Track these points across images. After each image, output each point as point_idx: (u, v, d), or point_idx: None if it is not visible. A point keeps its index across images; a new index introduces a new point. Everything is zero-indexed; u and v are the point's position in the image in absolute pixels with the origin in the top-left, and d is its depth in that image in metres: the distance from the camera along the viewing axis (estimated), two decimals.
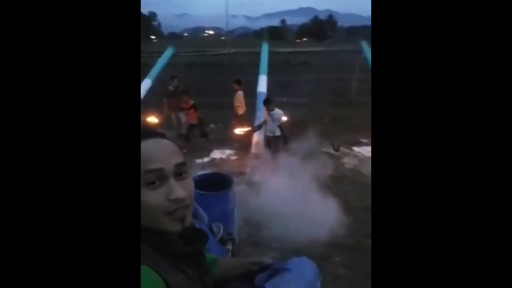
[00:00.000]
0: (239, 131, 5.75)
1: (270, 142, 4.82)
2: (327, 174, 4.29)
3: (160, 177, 0.55)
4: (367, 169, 4.92)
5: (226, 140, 5.97)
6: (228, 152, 5.61)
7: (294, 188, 3.49)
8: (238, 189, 3.41)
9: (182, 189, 0.56)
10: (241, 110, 6.12)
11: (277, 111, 4.69)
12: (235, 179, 3.03)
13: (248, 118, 6.08)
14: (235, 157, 5.42)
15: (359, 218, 3.25)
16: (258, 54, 9.19)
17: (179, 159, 0.57)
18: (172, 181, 0.55)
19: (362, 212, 3.40)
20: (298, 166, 4.07)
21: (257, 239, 2.99)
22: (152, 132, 0.59)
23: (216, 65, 13.24)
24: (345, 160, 5.31)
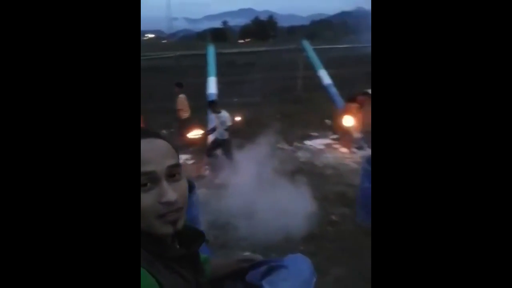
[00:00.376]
0: (192, 135, 5.65)
1: (220, 145, 4.71)
2: (285, 168, 4.44)
3: (152, 179, 0.54)
4: (320, 161, 5.19)
5: (180, 145, 5.83)
6: (184, 157, 5.48)
7: (256, 185, 3.56)
8: (200, 192, 3.37)
9: (175, 192, 0.55)
10: (185, 114, 5.98)
11: (223, 114, 4.53)
12: (195, 183, 3.00)
13: (200, 121, 6.00)
14: (191, 161, 5.33)
15: (319, 207, 3.43)
16: (204, 56, 9.11)
17: (172, 160, 0.56)
18: (164, 183, 0.54)
19: (321, 201, 3.59)
20: (257, 164, 4.14)
21: (224, 240, 2.99)
22: (146, 131, 0.57)
23: (162, 69, 12.81)
24: (299, 154, 5.53)
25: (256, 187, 3.52)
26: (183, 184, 0.58)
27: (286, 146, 5.76)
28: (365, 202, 3.32)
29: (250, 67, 14.06)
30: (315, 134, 6.42)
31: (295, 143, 5.91)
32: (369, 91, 5.99)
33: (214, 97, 6.40)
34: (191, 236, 0.64)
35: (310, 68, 9.02)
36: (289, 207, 3.17)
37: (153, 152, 0.55)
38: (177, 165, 0.57)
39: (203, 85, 7.60)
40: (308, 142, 6.03)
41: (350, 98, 5.94)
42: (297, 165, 4.97)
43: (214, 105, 4.69)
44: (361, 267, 2.70)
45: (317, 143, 5.97)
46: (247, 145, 4.75)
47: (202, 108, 6.43)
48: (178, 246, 0.62)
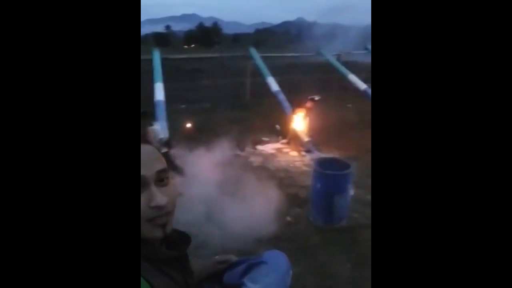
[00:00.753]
0: None
1: None
2: (239, 173, 4.47)
3: (141, 184, 0.54)
4: (272, 164, 5.33)
5: None
6: None
7: (210, 193, 3.53)
8: None
9: (163, 196, 0.56)
10: None
11: (156, 126, 4.26)
12: None
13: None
14: None
15: (275, 210, 3.52)
16: (148, 61, 8.77)
17: (160, 165, 0.57)
18: (153, 188, 0.55)
19: (276, 203, 3.69)
20: (208, 171, 4.11)
21: None
22: None
23: None
24: (252, 159, 5.62)
25: (211, 194, 3.49)
26: (172, 189, 0.59)
27: (238, 152, 5.80)
28: (317, 202, 3.51)
29: (197, 73, 13.92)
30: (266, 139, 6.58)
31: (247, 149, 5.98)
32: (315, 97, 6.35)
33: (162, 104, 6.19)
34: (177, 239, 0.65)
35: (258, 75, 9.25)
36: (246, 212, 3.21)
37: (142, 157, 0.55)
38: (166, 170, 0.58)
39: (149, 91, 7.31)
40: (260, 147, 6.16)
41: (297, 104, 6.23)
42: (250, 169, 5.04)
43: (145, 117, 4.32)
44: (316, 264, 2.84)
45: (269, 147, 6.13)
46: (199, 152, 4.70)
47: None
48: (165, 249, 0.63)
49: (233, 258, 0.89)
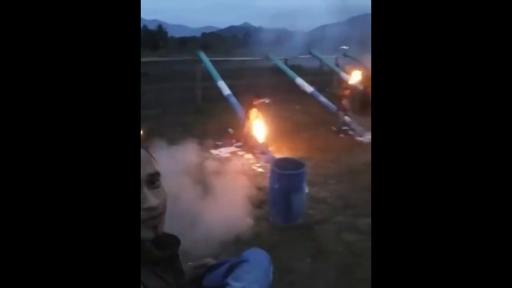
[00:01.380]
0: None
1: None
2: (195, 179, 4.40)
3: None
4: (227, 168, 5.34)
5: None
6: None
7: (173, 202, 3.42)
8: None
9: (155, 198, 0.57)
10: None
11: None
12: None
13: None
14: None
15: (234, 212, 3.54)
16: None
17: (152, 169, 0.58)
18: (145, 190, 0.56)
19: (235, 206, 3.71)
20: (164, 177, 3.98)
21: None
22: None
23: None
24: (207, 163, 5.56)
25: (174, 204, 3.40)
26: (163, 191, 0.61)
27: (192, 157, 5.70)
28: (276, 202, 3.61)
29: (143, 78, 13.37)
30: (220, 143, 6.57)
31: (202, 153, 5.91)
32: (265, 100, 6.52)
33: None
34: (167, 241, 0.65)
35: (207, 79, 9.18)
36: (207, 217, 3.19)
37: None
38: (157, 173, 0.59)
39: None
40: (214, 151, 6.13)
41: (249, 107, 6.34)
42: (206, 174, 4.99)
43: None
44: (278, 261, 2.93)
45: (223, 151, 6.13)
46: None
47: None
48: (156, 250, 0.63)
49: (211, 261, 0.90)
